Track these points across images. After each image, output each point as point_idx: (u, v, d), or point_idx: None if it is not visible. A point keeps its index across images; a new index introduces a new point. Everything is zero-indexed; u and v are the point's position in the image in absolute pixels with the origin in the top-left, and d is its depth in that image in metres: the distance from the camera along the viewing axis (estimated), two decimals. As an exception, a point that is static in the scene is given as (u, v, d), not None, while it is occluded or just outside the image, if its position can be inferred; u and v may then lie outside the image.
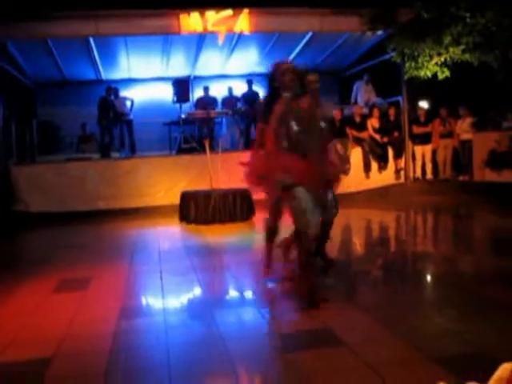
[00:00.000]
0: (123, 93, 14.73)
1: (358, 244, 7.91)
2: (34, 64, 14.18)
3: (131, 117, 14.41)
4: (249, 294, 5.24)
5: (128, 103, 14.49)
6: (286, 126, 4.74)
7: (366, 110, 13.96)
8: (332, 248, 6.52)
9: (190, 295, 5.34)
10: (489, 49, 11.61)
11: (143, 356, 3.75)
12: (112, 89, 14.02)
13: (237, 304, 4.99)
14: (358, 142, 12.82)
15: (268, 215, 5.32)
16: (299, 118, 4.78)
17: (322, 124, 5.16)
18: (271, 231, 5.39)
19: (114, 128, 13.93)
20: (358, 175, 12.32)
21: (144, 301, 5.28)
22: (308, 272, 4.70)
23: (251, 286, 5.46)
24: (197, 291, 5.40)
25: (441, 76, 12.26)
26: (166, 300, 5.05)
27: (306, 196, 4.58)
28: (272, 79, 5.13)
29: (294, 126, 4.74)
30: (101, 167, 11.87)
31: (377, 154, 12.94)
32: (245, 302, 5.02)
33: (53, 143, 15.02)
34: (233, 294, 5.40)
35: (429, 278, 5.85)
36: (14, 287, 5.72)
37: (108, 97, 13.73)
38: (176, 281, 5.74)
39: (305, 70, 5.31)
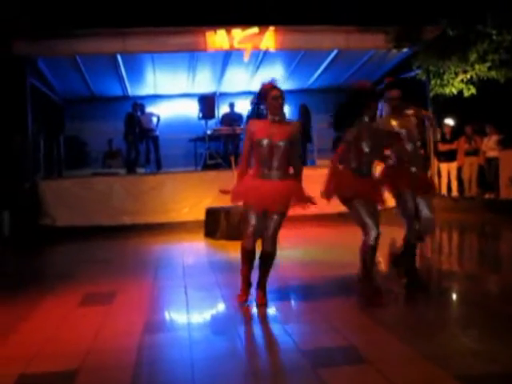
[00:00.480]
0: (149, 109, 14.87)
1: (382, 261, 7.86)
2: (63, 80, 14.41)
3: (157, 133, 14.52)
4: (273, 310, 5.23)
5: (154, 119, 14.62)
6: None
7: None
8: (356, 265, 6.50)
9: (214, 311, 5.35)
10: (516, 66, 11.56)
11: (167, 370, 3.76)
12: (138, 105, 14.17)
13: (261, 320, 4.98)
14: (384, 159, 12.75)
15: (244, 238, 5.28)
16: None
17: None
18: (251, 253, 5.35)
19: (140, 144, 14.06)
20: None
21: (168, 315, 5.30)
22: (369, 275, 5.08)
23: (275, 302, 5.45)
24: (221, 307, 5.41)
25: (466, 93, 12.22)
26: (191, 315, 5.07)
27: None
28: (259, 99, 5.23)
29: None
30: (126, 182, 11.98)
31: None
32: (269, 318, 5.02)
33: (79, 158, 15.20)
34: (256, 310, 5.39)
35: (453, 296, 5.80)
36: (40, 301, 5.77)
37: (134, 113, 13.87)
38: (200, 296, 5.75)
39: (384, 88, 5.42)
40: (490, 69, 11.76)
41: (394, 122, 5.62)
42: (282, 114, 5.12)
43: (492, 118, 13.39)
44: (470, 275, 6.63)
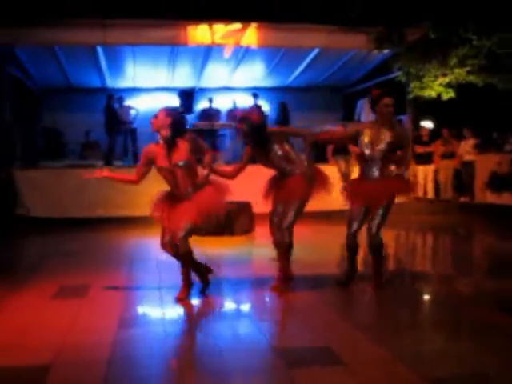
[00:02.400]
0: (128, 101, 14.77)
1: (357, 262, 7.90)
2: (41, 70, 14.23)
3: (135, 126, 14.44)
4: (248, 307, 5.23)
5: (132, 112, 14.52)
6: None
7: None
8: (329, 265, 6.55)
9: (189, 306, 5.33)
10: (494, 72, 11.68)
11: (142, 365, 3.74)
12: (115, 97, 14.05)
13: (236, 317, 4.98)
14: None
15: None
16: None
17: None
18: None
19: (117, 136, 13.95)
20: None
21: (142, 310, 5.27)
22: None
23: (250, 299, 5.45)
24: (195, 302, 5.39)
25: (445, 96, 12.33)
26: (165, 310, 5.04)
27: None
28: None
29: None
30: (103, 175, 11.85)
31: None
32: (243, 315, 5.02)
33: (56, 149, 15.01)
34: (232, 306, 5.39)
35: (426, 298, 5.86)
36: (12, 293, 5.69)
37: (110, 104, 13.73)
38: (175, 291, 5.72)
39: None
40: (469, 73, 11.89)
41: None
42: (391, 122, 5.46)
43: (469, 122, 13.53)
44: (442, 277, 6.71)
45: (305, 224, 5.82)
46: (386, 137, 5.37)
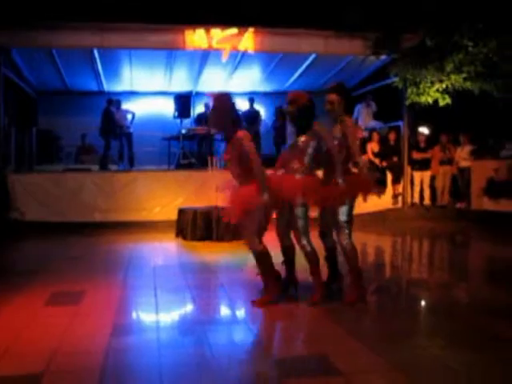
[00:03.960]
0: (125, 105, 14.74)
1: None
2: (37, 72, 14.21)
3: (131, 130, 14.41)
4: (243, 315, 5.19)
5: (129, 116, 14.51)
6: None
7: (365, 134, 13.98)
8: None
9: (184, 313, 5.30)
10: (490, 78, 11.69)
11: (135, 374, 3.70)
12: (114, 101, 14.02)
13: (231, 324, 4.94)
14: (355, 165, 12.79)
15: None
16: None
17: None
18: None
19: (113, 140, 13.92)
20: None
21: (137, 317, 5.23)
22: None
23: (246, 306, 5.41)
24: (190, 309, 5.36)
25: (442, 103, 12.32)
26: (160, 317, 5.00)
27: None
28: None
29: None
30: (98, 179, 11.82)
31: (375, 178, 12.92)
32: (239, 323, 4.98)
33: (52, 153, 15.00)
34: (227, 313, 5.35)
35: (422, 305, 5.82)
36: (5, 298, 5.65)
37: (110, 108, 13.71)
38: (170, 298, 5.69)
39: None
40: (465, 80, 11.89)
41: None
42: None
43: (466, 129, 13.53)
44: (439, 284, 6.69)
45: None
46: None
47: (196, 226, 9.75)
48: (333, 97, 5.46)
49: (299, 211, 5.25)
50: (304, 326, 4.75)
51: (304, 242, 5.28)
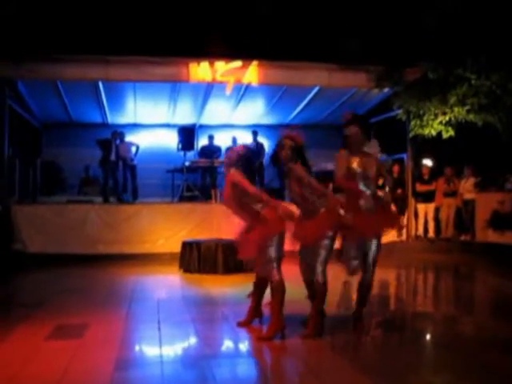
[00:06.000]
0: (128, 138, 14.77)
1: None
2: (42, 104, 14.30)
3: (135, 162, 14.42)
4: (248, 349, 5.12)
5: (133, 148, 14.52)
6: None
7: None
8: (331, 305, 6.43)
9: (188, 347, 5.22)
10: (493, 111, 11.72)
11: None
12: (118, 133, 14.04)
13: (235, 358, 4.85)
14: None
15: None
16: None
17: None
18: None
19: (117, 172, 13.90)
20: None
21: (140, 352, 5.14)
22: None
23: (251, 340, 5.33)
24: (195, 343, 5.28)
25: (445, 135, 12.35)
26: (163, 352, 4.92)
27: None
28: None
29: None
30: (102, 211, 11.81)
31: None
32: (244, 356, 4.90)
33: (55, 184, 14.99)
34: (232, 347, 5.27)
35: (427, 338, 5.75)
36: (7, 332, 5.56)
37: (113, 140, 13.69)
38: (174, 332, 5.61)
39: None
40: (468, 112, 11.92)
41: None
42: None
43: (469, 161, 13.54)
44: (444, 318, 6.62)
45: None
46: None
47: (200, 258, 9.70)
48: (353, 129, 5.45)
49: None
50: (310, 362, 4.66)
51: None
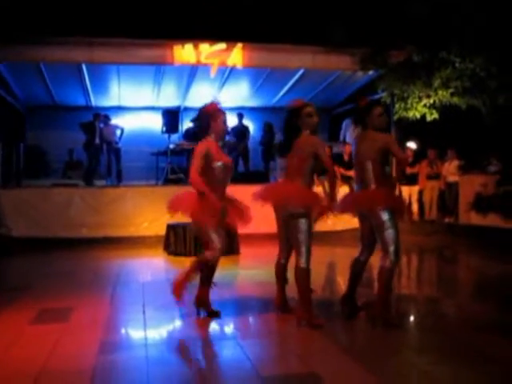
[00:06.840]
0: (113, 120, 14.68)
1: (343, 284, 7.85)
2: (25, 87, 14.16)
3: (120, 145, 14.36)
4: (234, 331, 5.15)
5: (118, 131, 14.45)
6: None
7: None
8: (317, 288, 6.46)
9: (172, 330, 5.25)
10: (477, 94, 11.78)
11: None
12: (101, 116, 13.93)
13: (221, 341, 4.89)
14: (346, 180, 12.83)
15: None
16: None
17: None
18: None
19: (101, 155, 13.83)
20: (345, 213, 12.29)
21: (125, 335, 5.17)
22: None
23: (236, 323, 5.37)
24: (179, 326, 5.32)
25: (429, 117, 12.39)
26: (148, 334, 4.95)
27: None
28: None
29: None
30: (86, 194, 11.74)
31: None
32: (229, 339, 4.93)
33: (39, 168, 14.91)
34: (217, 330, 5.30)
35: (411, 320, 5.80)
36: (-9, 316, 5.59)
37: (95, 122, 13.59)
38: (158, 315, 5.64)
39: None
40: (452, 95, 11.97)
41: None
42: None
43: (453, 143, 13.61)
44: (428, 299, 6.68)
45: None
46: None
47: (185, 241, 9.72)
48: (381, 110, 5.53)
49: None
50: (295, 343, 4.71)
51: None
